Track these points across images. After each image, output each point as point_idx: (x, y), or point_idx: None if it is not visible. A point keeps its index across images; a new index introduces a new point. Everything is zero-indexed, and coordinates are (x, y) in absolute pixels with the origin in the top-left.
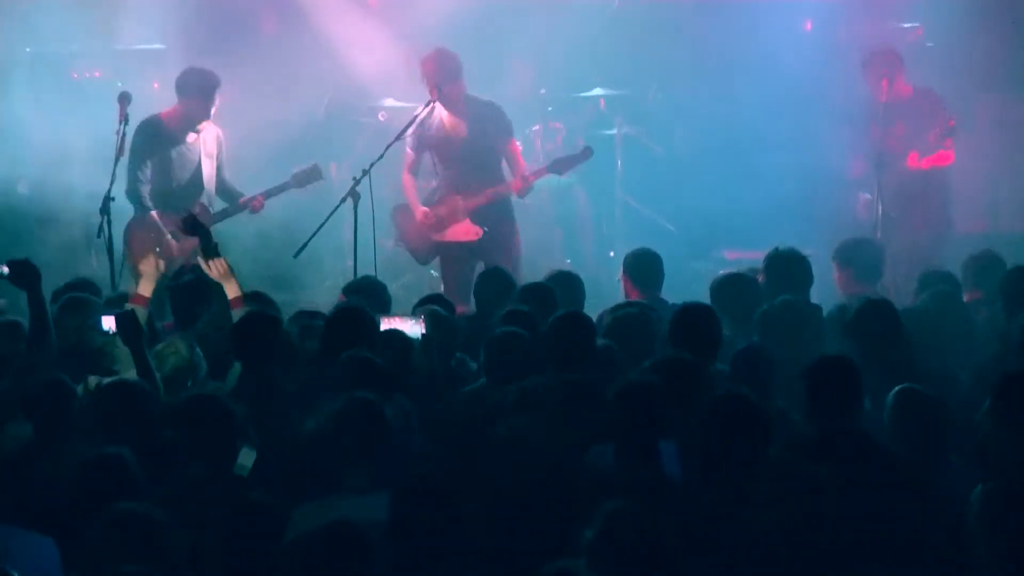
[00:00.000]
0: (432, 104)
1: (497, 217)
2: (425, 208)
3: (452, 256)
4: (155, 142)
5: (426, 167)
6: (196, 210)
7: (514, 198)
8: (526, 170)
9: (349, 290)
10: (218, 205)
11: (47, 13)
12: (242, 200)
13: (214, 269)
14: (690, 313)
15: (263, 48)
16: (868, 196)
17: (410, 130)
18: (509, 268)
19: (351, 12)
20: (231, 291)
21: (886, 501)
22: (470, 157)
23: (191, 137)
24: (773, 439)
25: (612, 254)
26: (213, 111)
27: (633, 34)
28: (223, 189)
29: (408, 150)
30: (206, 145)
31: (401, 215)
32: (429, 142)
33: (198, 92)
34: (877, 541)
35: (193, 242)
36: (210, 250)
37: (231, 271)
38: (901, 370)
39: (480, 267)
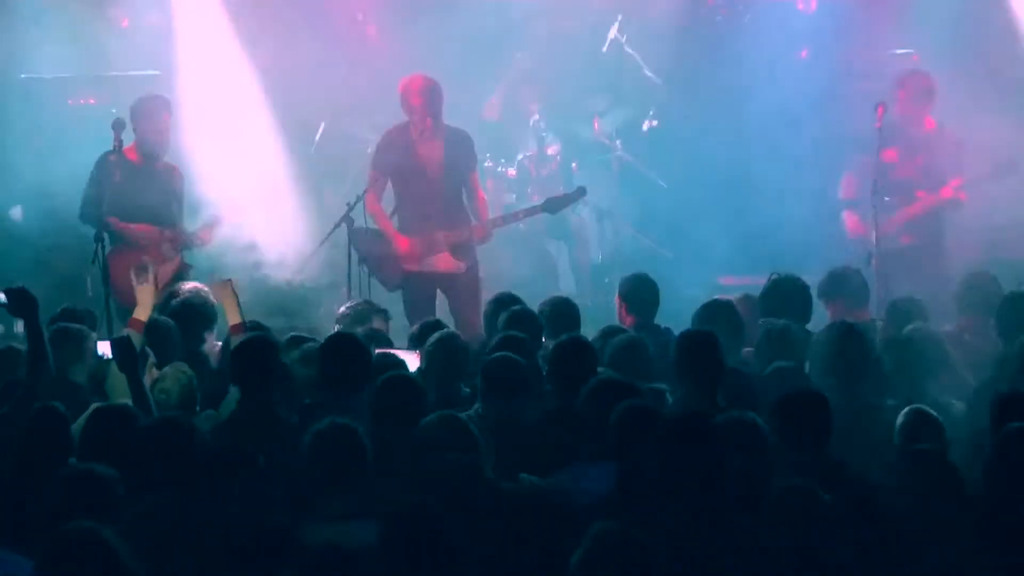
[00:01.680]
0: (423, 130)
1: (469, 250)
2: (405, 238)
3: (419, 287)
4: (116, 173)
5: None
6: (167, 236)
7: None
8: (486, 208)
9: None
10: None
11: (41, 40)
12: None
13: (217, 293)
14: (693, 339)
15: (257, 75)
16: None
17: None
18: (478, 303)
19: (347, 40)
20: (232, 317)
21: (871, 530)
22: (445, 188)
23: (155, 165)
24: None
25: (607, 280)
26: (164, 132)
27: (629, 60)
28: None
29: (374, 172)
30: (172, 176)
31: (363, 239)
32: (396, 168)
33: (146, 116)
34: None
35: (172, 267)
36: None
37: (235, 296)
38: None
39: (441, 299)
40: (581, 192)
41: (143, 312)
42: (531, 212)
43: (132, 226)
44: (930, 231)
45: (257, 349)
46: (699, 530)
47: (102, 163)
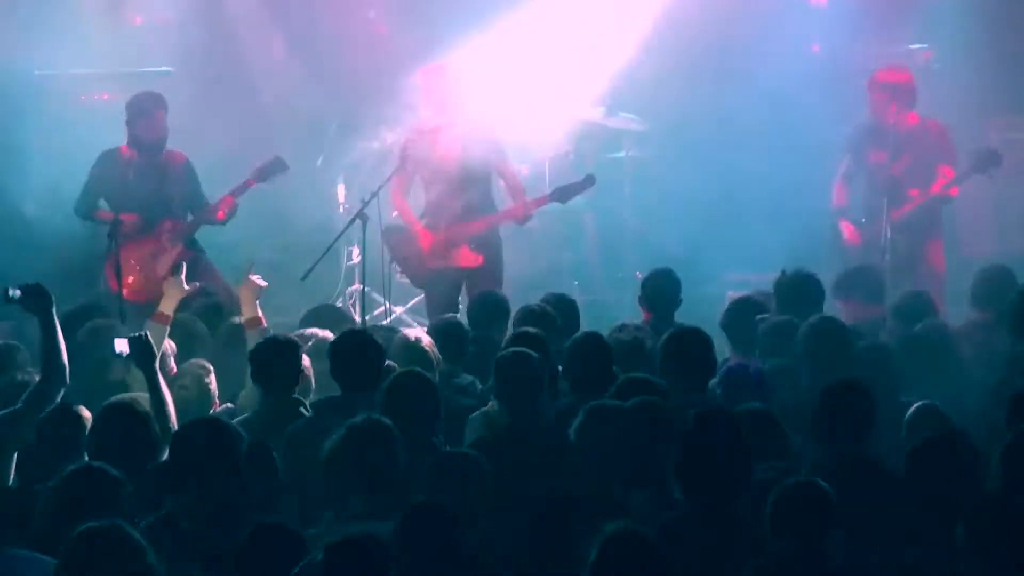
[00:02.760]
0: (439, 123)
1: (490, 242)
2: (430, 234)
3: (444, 283)
4: (111, 171)
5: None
6: (166, 227)
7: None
8: (526, 197)
9: (308, 320)
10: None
11: (55, 37)
12: (210, 209)
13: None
14: (680, 338)
15: (271, 71)
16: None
17: (403, 147)
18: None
19: (360, 36)
20: (248, 311)
21: (895, 527)
22: (466, 182)
23: (149, 161)
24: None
25: (620, 276)
26: (159, 130)
27: (641, 57)
28: (197, 210)
29: (398, 171)
30: (169, 169)
31: (395, 237)
32: (420, 164)
33: (140, 114)
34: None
35: (171, 256)
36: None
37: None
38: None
39: (463, 293)
40: (590, 180)
41: (169, 305)
42: (540, 202)
43: (121, 216)
44: (924, 228)
45: (279, 349)
46: (714, 529)
47: (102, 160)
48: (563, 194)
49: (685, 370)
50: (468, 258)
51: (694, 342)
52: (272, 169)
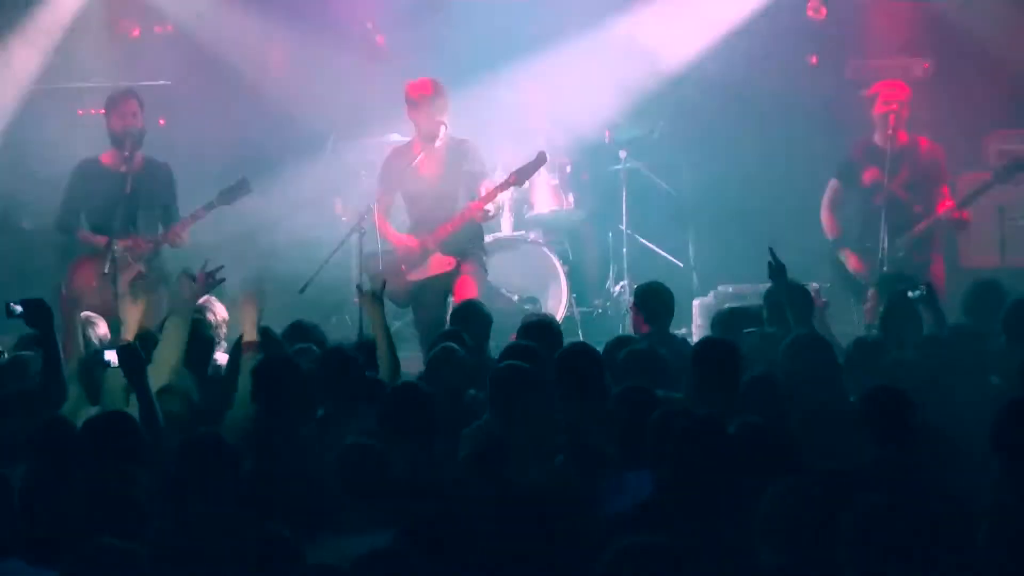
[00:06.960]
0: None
1: (462, 247)
2: (405, 246)
3: (428, 295)
4: (84, 180)
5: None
6: (128, 243)
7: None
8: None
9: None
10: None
11: (52, 50)
12: (172, 232)
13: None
14: (714, 348)
15: (269, 85)
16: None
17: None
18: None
19: (357, 49)
20: (248, 334)
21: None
22: (440, 197)
23: (122, 169)
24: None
25: (616, 290)
26: (131, 122)
27: (639, 69)
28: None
29: (380, 189)
30: (153, 177)
31: (372, 263)
32: (400, 179)
33: (112, 105)
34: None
35: (129, 275)
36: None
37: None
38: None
39: (451, 302)
40: (542, 159)
41: (129, 332)
42: (503, 187)
43: (96, 238)
44: (929, 243)
45: (277, 371)
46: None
47: (79, 170)
48: (521, 177)
49: (716, 380)
50: (441, 263)
51: (727, 354)
52: (237, 191)
